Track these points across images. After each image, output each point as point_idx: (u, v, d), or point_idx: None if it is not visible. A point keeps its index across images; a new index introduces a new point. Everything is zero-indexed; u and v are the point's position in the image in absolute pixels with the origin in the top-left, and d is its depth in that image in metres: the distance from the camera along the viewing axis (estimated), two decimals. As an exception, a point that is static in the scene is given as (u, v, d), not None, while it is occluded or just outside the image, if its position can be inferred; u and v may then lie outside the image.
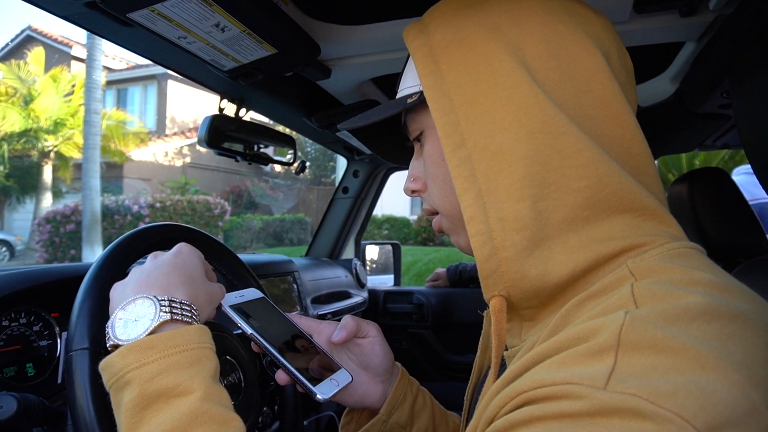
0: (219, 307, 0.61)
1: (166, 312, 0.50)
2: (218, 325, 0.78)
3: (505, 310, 0.47)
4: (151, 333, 0.49)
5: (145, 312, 0.50)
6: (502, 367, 0.52)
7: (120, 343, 0.49)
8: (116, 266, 0.64)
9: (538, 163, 0.44)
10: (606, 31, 0.49)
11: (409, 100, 0.52)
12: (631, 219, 0.45)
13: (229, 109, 1.20)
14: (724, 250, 1.23)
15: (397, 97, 0.57)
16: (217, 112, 1.16)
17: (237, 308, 0.62)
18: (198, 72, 1.03)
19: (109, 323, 0.50)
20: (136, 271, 0.55)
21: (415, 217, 12.06)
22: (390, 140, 0.68)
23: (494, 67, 0.46)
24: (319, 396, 0.58)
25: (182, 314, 0.51)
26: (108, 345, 0.49)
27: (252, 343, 0.61)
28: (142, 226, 0.72)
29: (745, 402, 0.32)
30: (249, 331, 0.59)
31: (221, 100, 1.17)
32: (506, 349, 0.52)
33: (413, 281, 7.37)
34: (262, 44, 0.86)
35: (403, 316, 2.08)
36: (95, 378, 0.55)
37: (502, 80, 0.46)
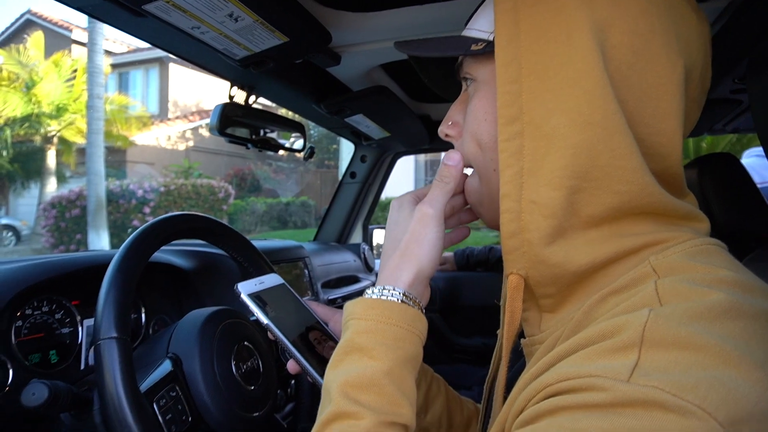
0: (238, 294, 0.62)
1: (403, 303, 0.52)
2: (236, 313, 0.79)
3: (522, 290, 0.47)
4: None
5: (389, 302, 0.51)
6: (518, 353, 0.53)
7: (371, 296, 0.52)
8: (139, 256, 0.65)
9: (586, 156, 0.43)
10: (700, 39, 0.46)
11: (474, 47, 0.50)
12: (656, 217, 0.45)
13: (239, 96, 1.20)
14: (733, 235, 1.23)
15: (464, 33, 0.54)
16: (228, 100, 1.16)
17: (255, 296, 0.63)
18: (209, 60, 1.03)
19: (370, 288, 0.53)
20: (401, 230, 0.55)
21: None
22: (438, 65, 0.63)
23: (573, 42, 0.43)
24: None
25: (413, 300, 0.52)
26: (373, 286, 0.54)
27: (267, 332, 0.62)
28: (162, 215, 0.73)
29: (766, 399, 0.33)
30: (264, 321, 0.60)
31: (231, 87, 1.17)
32: (523, 337, 0.53)
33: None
34: (274, 33, 0.86)
35: (411, 299, 2.10)
36: (124, 365, 0.57)
37: (577, 59, 0.43)
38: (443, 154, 0.57)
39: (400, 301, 0.51)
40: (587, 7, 0.44)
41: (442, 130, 0.58)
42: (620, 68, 0.44)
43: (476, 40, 0.50)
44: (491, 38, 0.48)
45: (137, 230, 0.68)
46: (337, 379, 0.47)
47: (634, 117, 0.44)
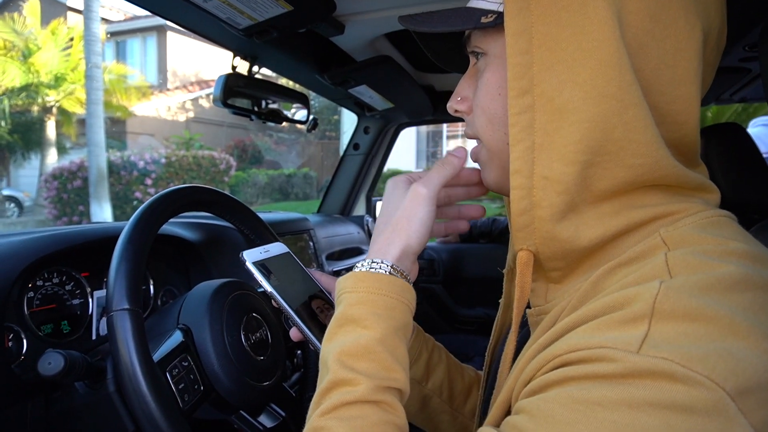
0: (243, 262, 0.62)
1: (395, 275, 0.53)
2: (245, 285, 0.80)
3: (531, 265, 0.48)
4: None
5: (378, 274, 0.53)
6: (524, 324, 0.54)
7: (362, 269, 0.54)
8: (149, 228, 0.66)
9: (601, 129, 0.42)
10: (718, 1, 0.44)
11: (483, 19, 0.48)
12: (667, 189, 0.45)
13: (242, 66, 1.18)
14: (738, 206, 1.23)
15: (470, 4, 0.52)
16: (230, 71, 1.15)
17: (260, 264, 0.63)
18: (211, 30, 1.01)
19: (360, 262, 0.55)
20: (394, 206, 0.56)
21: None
22: (445, 39, 0.61)
23: (587, 11, 0.41)
24: None
25: (400, 273, 0.54)
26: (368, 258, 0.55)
27: (272, 300, 0.63)
28: (169, 188, 0.73)
29: None
30: (268, 288, 0.61)
31: (234, 57, 1.16)
32: (529, 307, 0.54)
33: (419, 235, 7.40)
34: (278, 1, 0.85)
35: (415, 271, 2.12)
36: (137, 336, 0.58)
37: (591, 29, 0.41)
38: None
39: (388, 273, 0.53)
40: None
41: (451, 106, 0.56)
42: (637, 35, 0.42)
43: (485, 12, 0.49)
44: (501, 9, 0.47)
45: (146, 203, 0.68)
46: (333, 350, 0.49)
47: (650, 85, 0.43)
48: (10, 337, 0.70)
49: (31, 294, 0.75)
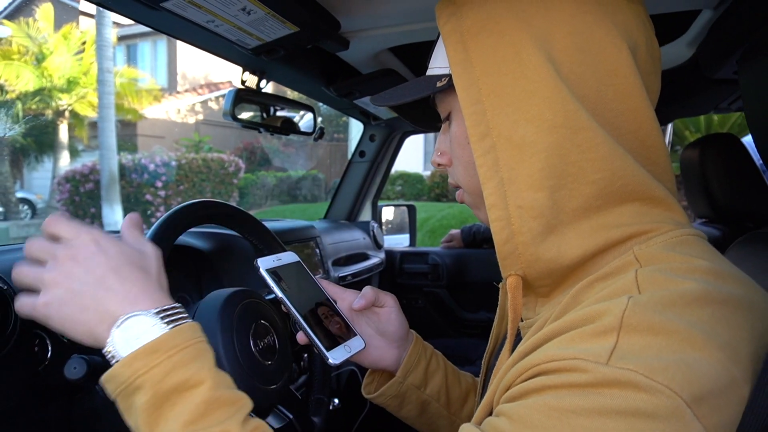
0: (257, 268, 0.67)
1: (164, 324, 0.50)
2: (254, 293, 0.85)
3: (521, 288, 0.52)
4: None
5: (144, 329, 0.49)
6: (518, 337, 0.58)
7: (122, 357, 0.48)
8: (165, 242, 0.70)
9: (558, 155, 0.47)
10: (636, 18, 0.49)
11: (438, 83, 0.54)
12: (640, 207, 0.49)
13: (251, 81, 1.23)
14: (732, 216, 1.26)
15: (428, 74, 0.59)
16: (240, 85, 1.20)
17: (272, 271, 0.68)
18: (222, 49, 1.06)
19: (109, 341, 0.48)
20: (93, 264, 0.51)
21: (428, 173, 12.02)
22: (418, 107, 0.68)
23: (522, 58, 0.48)
24: (330, 360, 0.64)
25: (177, 318, 0.51)
26: (109, 357, 0.49)
27: (281, 305, 0.67)
28: (184, 203, 0.77)
29: (725, 376, 0.37)
30: (279, 294, 0.65)
31: (243, 72, 1.21)
32: (521, 320, 0.58)
33: (427, 237, 7.44)
34: (285, 23, 0.89)
35: (419, 275, 2.16)
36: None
37: (529, 73, 0.47)
38: None
39: (163, 329, 0.49)
40: (525, 24, 0.48)
41: (434, 161, 0.62)
42: (572, 68, 0.47)
43: (440, 77, 0.55)
44: (450, 72, 0.52)
45: (162, 217, 0.73)
46: (176, 429, 0.46)
47: (597, 106, 0.48)
48: (36, 343, 0.75)
49: (55, 302, 0.80)
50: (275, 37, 0.95)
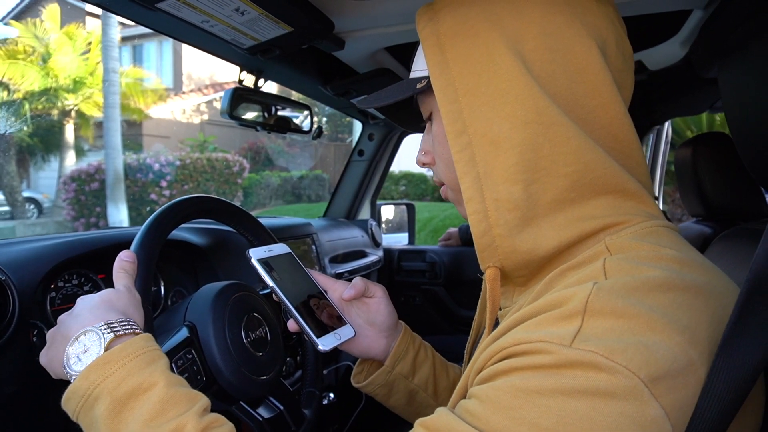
0: (249, 258, 0.69)
1: (108, 333, 0.54)
2: (247, 286, 0.87)
3: (499, 279, 0.54)
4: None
5: (92, 341, 0.54)
6: (497, 326, 0.60)
7: (77, 374, 0.52)
8: (158, 235, 0.73)
9: (531, 150, 0.49)
10: (605, 19, 0.52)
11: (418, 85, 0.57)
12: (613, 200, 0.50)
13: (248, 80, 1.26)
14: (723, 213, 1.27)
15: (410, 76, 0.61)
16: (238, 84, 1.22)
17: (263, 261, 0.70)
18: (218, 49, 1.08)
19: (64, 363, 0.54)
20: (67, 318, 0.59)
21: (431, 174, 12.02)
22: (404, 109, 0.71)
23: (494, 59, 0.50)
24: (320, 347, 0.66)
25: (123, 329, 0.56)
26: (69, 378, 0.53)
27: (273, 294, 0.69)
28: (176, 199, 0.80)
29: (683, 358, 0.39)
30: (270, 283, 0.67)
31: (240, 72, 1.23)
32: (500, 309, 0.60)
33: (429, 237, 7.45)
34: (278, 24, 0.91)
35: (417, 273, 2.18)
36: (147, 331, 0.65)
37: (502, 73, 0.50)
38: None
39: (107, 337, 0.54)
40: (498, 27, 0.51)
41: (419, 160, 0.65)
42: (543, 66, 0.50)
43: (419, 79, 0.58)
44: (429, 74, 0.55)
45: (155, 212, 0.75)
46: (137, 430, 0.49)
47: (569, 103, 0.50)
48: (35, 333, 0.78)
49: (53, 294, 0.83)
50: (270, 37, 0.97)
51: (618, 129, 0.51)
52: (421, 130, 0.72)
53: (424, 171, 12.31)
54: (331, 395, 1.41)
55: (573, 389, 0.39)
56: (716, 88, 1.42)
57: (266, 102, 1.30)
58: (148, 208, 9.43)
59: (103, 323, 0.55)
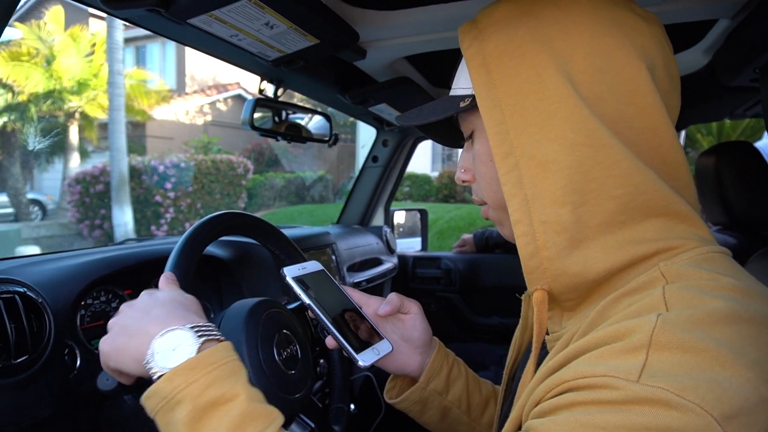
0: (284, 277, 0.69)
1: (200, 335, 0.55)
2: (277, 303, 0.86)
3: (546, 302, 0.52)
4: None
5: (181, 340, 0.54)
6: (543, 350, 0.59)
7: (164, 371, 0.52)
8: (193, 253, 0.72)
9: (580, 173, 0.48)
10: (654, 40, 0.51)
11: (462, 104, 0.56)
12: (664, 222, 0.49)
13: (268, 89, 1.25)
14: (748, 224, 1.26)
15: (451, 93, 0.61)
16: (258, 95, 1.21)
17: (298, 279, 0.70)
18: (242, 60, 1.07)
19: (149, 354, 0.54)
20: (137, 313, 0.59)
21: (436, 174, 12.02)
22: (442, 124, 0.70)
23: (543, 80, 0.49)
24: (360, 363, 0.66)
25: (209, 334, 0.56)
26: (151, 372, 0.53)
27: (308, 311, 0.68)
28: (211, 215, 0.79)
29: (755, 395, 0.38)
30: (307, 301, 0.67)
31: (261, 81, 1.22)
32: (547, 334, 0.59)
33: (435, 239, 7.44)
34: (306, 36, 0.91)
35: (432, 280, 2.17)
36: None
37: (550, 93, 0.49)
38: None
39: (200, 339, 0.54)
40: (546, 47, 0.50)
41: (459, 177, 0.64)
42: (591, 88, 0.49)
43: (463, 97, 0.57)
44: (473, 92, 0.54)
45: (190, 228, 0.74)
46: None
47: (618, 124, 0.49)
48: (65, 353, 0.77)
49: (83, 312, 0.82)
50: (296, 49, 0.96)
51: (667, 151, 0.51)
52: (457, 145, 0.71)
53: (428, 172, 12.32)
54: (352, 406, 1.40)
55: (641, 426, 0.38)
56: (738, 96, 1.41)
57: (286, 110, 1.29)
58: (152, 210, 9.44)
59: (192, 325, 0.56)
